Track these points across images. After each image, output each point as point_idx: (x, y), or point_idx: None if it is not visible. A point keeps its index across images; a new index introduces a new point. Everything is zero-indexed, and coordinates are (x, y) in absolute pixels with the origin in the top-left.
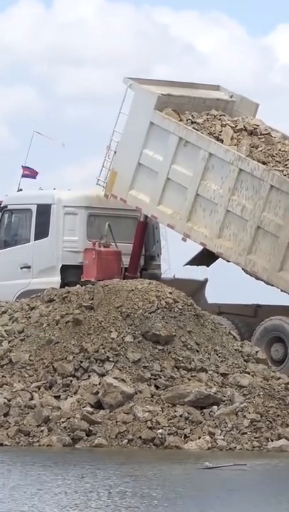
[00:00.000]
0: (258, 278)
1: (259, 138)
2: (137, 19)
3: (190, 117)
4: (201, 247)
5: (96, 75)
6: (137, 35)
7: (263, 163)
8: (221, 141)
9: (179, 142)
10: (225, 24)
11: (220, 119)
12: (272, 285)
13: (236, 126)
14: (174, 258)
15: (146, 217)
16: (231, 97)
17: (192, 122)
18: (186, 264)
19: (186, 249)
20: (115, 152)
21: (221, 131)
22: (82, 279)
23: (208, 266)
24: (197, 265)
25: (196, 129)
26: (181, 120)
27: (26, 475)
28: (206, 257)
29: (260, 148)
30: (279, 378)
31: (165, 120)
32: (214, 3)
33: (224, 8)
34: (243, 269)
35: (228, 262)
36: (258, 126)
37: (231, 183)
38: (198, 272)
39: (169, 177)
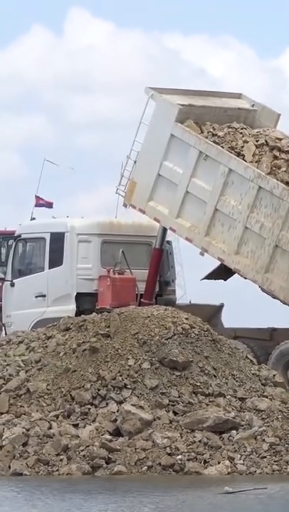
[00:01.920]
0: (274, 297)
1: (280, 154)
2: (146, 44)
3: (211, 129)
4: (218, 262)
5: (107, 102)
6: (147, 60)
7: (287, 183)
8: (243, 156)
9: (199, 156)
10: (235, 47)
11: (241, 133)
12: (288, 305)
13: (258, 140)
14: (190, 283)
15: (161, 243)
16: (253, 105)
17: (213, 135)
18: (204, 279)
19: (202, 274)
20: (135, 162)
21: (242, 146)
22: (97, 307)
23: (225, 280)
24: (215, 279)
25: (217, 143)
26: (202, 132)
27: (46, 504)
28: (223, 272)
29: (283, 169)
30: None
31: (186, 133)
32: (223, 27)
33: (233, 31)
34: (260, 287)
35: (245, 278)
36: (280, 140)
37: (250, 200)
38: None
39: (188, 190)
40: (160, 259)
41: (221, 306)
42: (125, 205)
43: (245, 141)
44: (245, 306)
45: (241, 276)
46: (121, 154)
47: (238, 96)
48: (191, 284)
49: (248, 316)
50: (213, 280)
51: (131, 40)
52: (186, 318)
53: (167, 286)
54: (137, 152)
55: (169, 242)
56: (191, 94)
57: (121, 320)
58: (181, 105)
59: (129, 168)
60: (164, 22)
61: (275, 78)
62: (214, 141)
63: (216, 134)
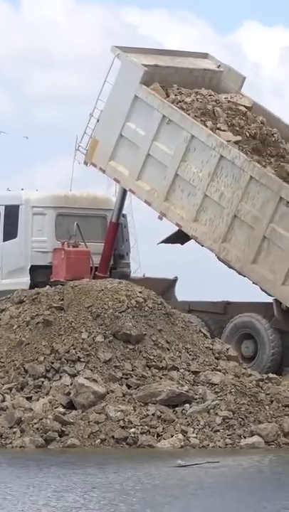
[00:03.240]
0: (230, 267)
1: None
2: (105, 19)
3: (178, 94)
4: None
5: (65, 76)
6: (105, 35)
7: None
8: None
9: (162, 119)
10: (193, 22)
11: (208, 99)
12: (244, 275)
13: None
14: (144, 257)
15: (118, 217)
16: (219, 66)
17: (180, 101)
18: (161, 243)
19: (156, 248)
20: (98, 120)
21: (213, 113)
22: (51, 280)
23: (182, 244)
24: (172, 243)
25: (184, 108)
26: (168, 96)
27: None
28: (180, 237)
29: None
30: (250, 375)
31: (150, 96)
32: (181, 2)
33: (191, 6)
34: (216, 256)
35: (202, 246)
36: (249, 108)
37: (211, 168)
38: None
39: (150, 153)
40: (116, 233)
41: (175, 279)
42: (86, 163)
43: (214, 108)
44: (199, 280)
45: (198, 243)
46: (79, 128)
47: (205, 56)
48: (145, 257)
49: (202, 290)
50: (170, 244)
51: (89, 15)
52: (140, 292)
53: (121, 260)
54: (101, 111)
55: (124, 216)
56: (158, 53)
57: (75, 293)
58: (147, 66)
59: (91, 126)
60: None
61: (232, 53)
62: (181, 107)
63: (183, 100)
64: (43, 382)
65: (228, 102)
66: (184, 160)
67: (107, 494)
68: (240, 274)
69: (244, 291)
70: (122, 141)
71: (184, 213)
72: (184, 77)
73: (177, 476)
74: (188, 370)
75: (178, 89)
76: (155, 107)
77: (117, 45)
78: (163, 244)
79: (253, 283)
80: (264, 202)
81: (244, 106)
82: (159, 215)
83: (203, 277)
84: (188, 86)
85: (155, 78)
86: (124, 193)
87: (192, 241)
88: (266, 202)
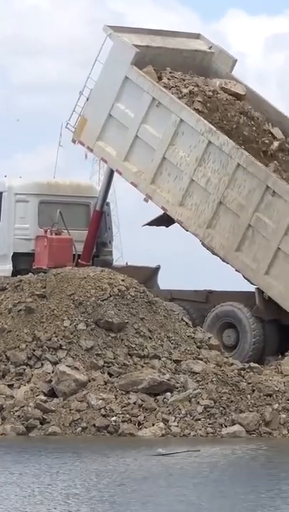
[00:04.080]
0: (214, 253)
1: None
2: (91, 7)
3: (170, 77)
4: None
5: (50, 64)
6: (91, 23)
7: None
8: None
9: (151, 102)
10: (178, 10)
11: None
12: (227, 263)
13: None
14: (126, 246)
15: (102, 205)
16: (210, 48)
17: (172, 87)
18: (146, 225)
19: (139, 237)
20: (87, 99)
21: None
22: (33, 267)
23: (167, 227)
24: (157, 226)
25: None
26: (160, 79)
27: None
28: (165, 221)
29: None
30: (232, 364)
31: (140, 77)
32: None
33: None
34: (200, 241)
35: (187, 231)
36: (242, 96)
37: (199, 153)
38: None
39: (138, 135)
40: (100, 222)
41: (158, 268)
42: (74, 141)
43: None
44: (181, 269)
45: (183, 228)
46: (64, 116)
47: (197, 36)
48: (127, 246)
49: (184, 279)
50: (155, 226)
51: (75, 2)
52: (123, 280)
53: (104, 248)
54: (90, 89)
55: (107, 204)
56: (150, 33)
57: (57, 281)
58: (138, 46)
59: (81, 104)
60: None
61: (216, 41)
62: (173, 92)
63: (176, 85)
64: (24, 369)
65: (222, 88)
66: (172, 144)
67: (77, 482)
68: (223, 261)
69: (226, 280)
70: (110, 121)
71: (169, 197)
72: (174, 58)
73: (158, 465)
74: (170, 359)
75: (171, 72)
76: (145, 89)
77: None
78: (148, 226)
79: (236, 270)
80: (250, 190)
81: (237, 93)
82: (145, 198)
83: (186, 266)
84: (178, 67)
85: (146, 59)
86: (108, 181)
87: (175, 230)
88: (252, 190)
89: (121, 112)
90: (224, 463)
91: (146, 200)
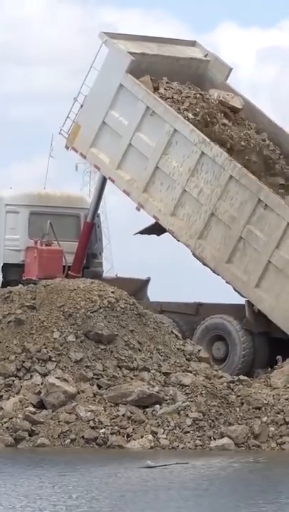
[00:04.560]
0: (205, 264)
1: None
2: (82, 17)
3: (167, 87)
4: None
5: (42, 74)
6: (82, 33)
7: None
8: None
9: (146, 111)
10: (169, 22)
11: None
12: (218, 274)
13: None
14: (117, 257)
15: (93, 217)
16: (206, 56)
17: (167, 98)
18: (137, 233)
19: (130, 247)
20: (82, 106)
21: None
22: (23, 278)
23: (158, 235)
24: (148, 234)
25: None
26: (157, 89)
27: None
28: (157, 230)
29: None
30: (221, 377)
31: (135, 86)
32: (157, 1)
33: (168, 5)
34: (192, 252)
35: (178, 241)
36: (238, 110)
37: (192, 163)
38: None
39: (131, 143)
40: (91, 233)
41: (148, 280)
42: (67, 147)
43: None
44: (171, 281)
45: (175, 238)
46: (55, 126)
47: (193, 44)
48: (118, 258)
49: (174, 291)
50: (146, 235)
51: (67, 12)
52: (112, 292)
53: (94, 259)
54: (85, 96)
55: (97, 215)
56: (146, 40)
57: (47, 292)
58: (134, 54)
59: (75, 110)
60: None
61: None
62: (172, 102)
63: (172, 97)
64: (13, 381)
65: (219, 101)
66: (166, 153)
67: (71, 495)
68: (214, 272)
69: (216, 292)
70: (104, 128)
71: (161, 206)
72: (170, 66)
73: (146, 477)
74: (160, 371)
75: (167, 82)
76: (140, 97)
77: (105, 31)
78: (139, 234)
79: (227, 282)
80: (242, 202)
81: (234, 107)
82: (137, 206)
83: (176, 278)
84: (174, 75)
85: (142, 66)
86: (100, 193)
87: (166, 242)
88: (244, 202)
89: (115, 119)
90: (213, 475)
91: (138, 209)
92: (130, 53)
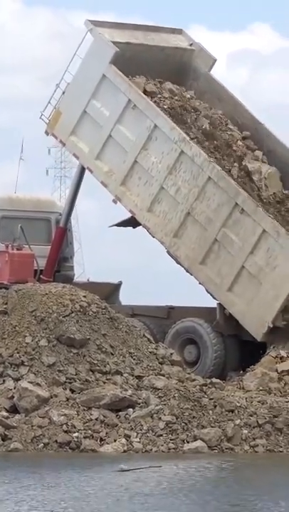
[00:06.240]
0: (178, 263)
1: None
2: (54, 23)
3: (155, 89)
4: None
5: (13, 80)
6: (54, 38)
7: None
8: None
9: (127, 103)
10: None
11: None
12: (191, 274)
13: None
14: (88, 262)
15: (66, 222)
16: (191, 45)
17: (154, 95)
18: (112, 226)
19: (101, 250)
20: (63, 93)
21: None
22: None
23: (134, 228)
24: (124, 227)
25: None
26: (146, 90)
27: None
28: (132, 223)
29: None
30: (194, 380)
31: (118, 77)
32: (131, 7)
33: (141, 11)
34: (166, 250)
35: (153, 237)
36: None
37: (171, 161)
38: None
39: (111, 134)
40: (63, 237)
41: (119, 284)
42: (47, 133)
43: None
44: (143, 285)
45: (150, 234)
46: (26, 132)
47: (179, 32)
48: (89, 262)
49: (145, 295)
50: (123, 227)
51: (38, 18)
52: (84, 296)
53: (65, 263)
54: (67, 83)
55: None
56: (132, 28)
57: (19, 297)
58: (118, 43)
59: (56, 96)
60: (71, 0)
61: None
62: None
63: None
64: None
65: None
66: (145, 148)
67: (43, 498)
68: (187, 271)
69: (187, 296)
70: (85, 117)
71: (138, 201)
72: (155, 55)
73: (119, 481)
74: (132, 375)
75: (155, 84)
76: (122, 89)
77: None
78: (115, 227)
79: (200, 283)
80: (219, 205)
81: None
82: (114, 199)
83: (147, 282)
84: (159, 64)
85: (126, 55)
86: (73, 198)
87: (137, 245)
88: (221, 205)
89: (96, 109)
90: (186, 478)
91: (114, 202)
92: (115, 43)
